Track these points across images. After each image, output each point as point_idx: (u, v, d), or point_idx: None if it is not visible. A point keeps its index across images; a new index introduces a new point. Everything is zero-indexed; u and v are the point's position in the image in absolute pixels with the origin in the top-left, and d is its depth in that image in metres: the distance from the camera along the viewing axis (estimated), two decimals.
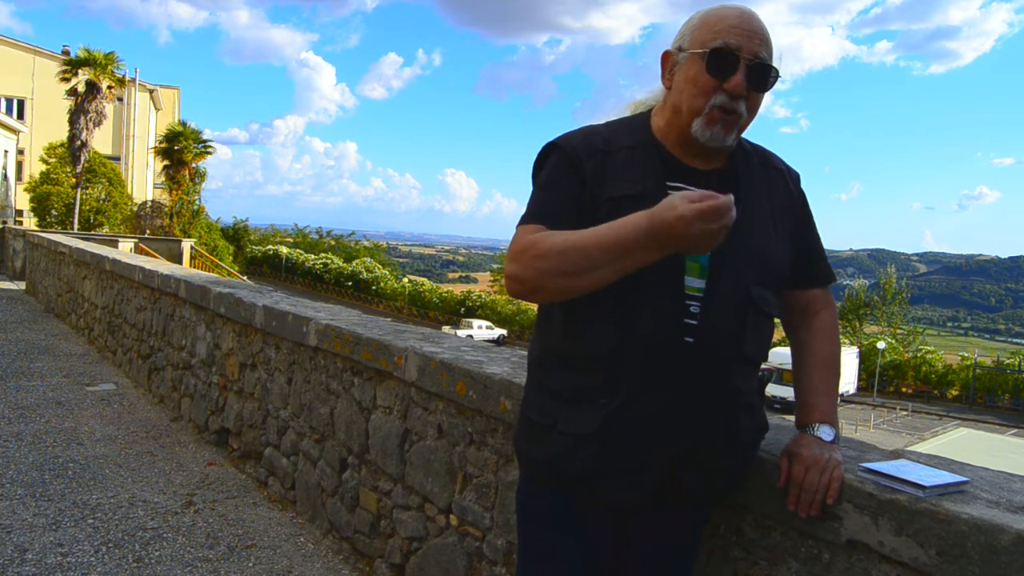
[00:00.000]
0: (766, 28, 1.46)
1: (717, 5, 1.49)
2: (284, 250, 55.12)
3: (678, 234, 1.28)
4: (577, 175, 1.48)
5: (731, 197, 1.27)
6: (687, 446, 1.44)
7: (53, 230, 20.52)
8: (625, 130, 1.55)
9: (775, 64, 1.47)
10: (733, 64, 1.41)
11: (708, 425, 1.45)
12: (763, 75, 1.44)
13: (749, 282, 1.47)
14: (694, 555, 1.65)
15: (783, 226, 1.56)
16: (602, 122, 1.61)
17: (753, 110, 1.47)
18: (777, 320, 1.74)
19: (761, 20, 1.46)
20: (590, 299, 1.42)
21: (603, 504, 1.53)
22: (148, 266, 6.45)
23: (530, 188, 1.59)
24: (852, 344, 41.65)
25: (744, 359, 1.48)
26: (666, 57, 1.53)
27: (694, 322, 1.43)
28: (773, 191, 1.57)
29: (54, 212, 25.80)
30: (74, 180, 25.11)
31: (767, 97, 1.51)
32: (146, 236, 24.35)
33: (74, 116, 24.61)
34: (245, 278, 28.16)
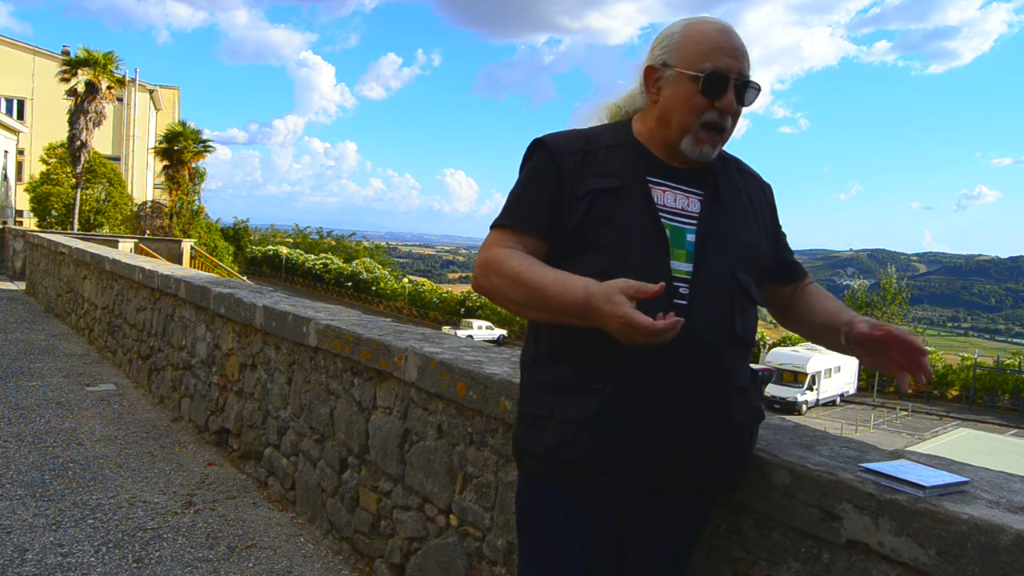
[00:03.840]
0: (743, 41, 1.55)
1: (695, 19, 1.59)
2: (284, 250, 55.07)
3: (606, 326, 1.36)
4: (557, 176, 1.55)
5: (679, 321, 1.30)
6: (683, 427, 1.47)
7: (53, 230, 20.51)
8: (607, 132, 1.64)
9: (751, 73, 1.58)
10: (724, 85, 1.51)
11: (702, 405, 1.47)
12: (749, 91, 1.55)
13: (734, 267, 1.54)
14: (693, 548, 1.65)
15: (761, 221, 1.65)
16: (586, 126, 1.70)
17: (736, 123, 1.58)
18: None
19: (737, 33, 1.55)
20: None
21: (603, 495, 1.53)
22: (148, 266, 6.45)
23: None
24: None
25: (734, 339, 1.52)
26: (651, 71, 1.59)
27: (683, 303, 1.47)
28: (749, 190, 1.67)
29: (54, 212, 25.80)
30: (74, 180, 25.10)
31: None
32: (146, 236, 24.35)
33: (74, 116, 24.60)
34: (245, 278, 28.17)
